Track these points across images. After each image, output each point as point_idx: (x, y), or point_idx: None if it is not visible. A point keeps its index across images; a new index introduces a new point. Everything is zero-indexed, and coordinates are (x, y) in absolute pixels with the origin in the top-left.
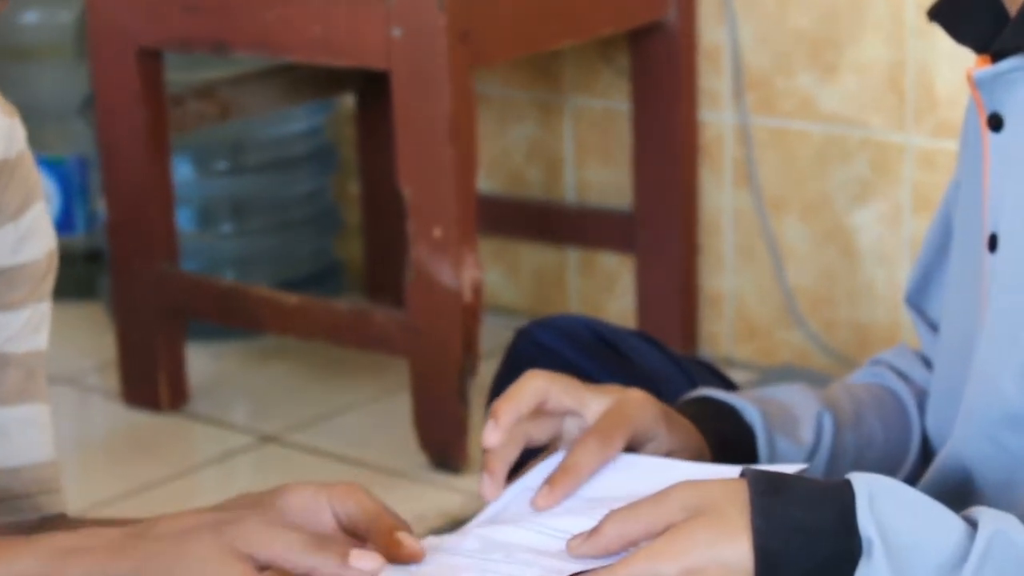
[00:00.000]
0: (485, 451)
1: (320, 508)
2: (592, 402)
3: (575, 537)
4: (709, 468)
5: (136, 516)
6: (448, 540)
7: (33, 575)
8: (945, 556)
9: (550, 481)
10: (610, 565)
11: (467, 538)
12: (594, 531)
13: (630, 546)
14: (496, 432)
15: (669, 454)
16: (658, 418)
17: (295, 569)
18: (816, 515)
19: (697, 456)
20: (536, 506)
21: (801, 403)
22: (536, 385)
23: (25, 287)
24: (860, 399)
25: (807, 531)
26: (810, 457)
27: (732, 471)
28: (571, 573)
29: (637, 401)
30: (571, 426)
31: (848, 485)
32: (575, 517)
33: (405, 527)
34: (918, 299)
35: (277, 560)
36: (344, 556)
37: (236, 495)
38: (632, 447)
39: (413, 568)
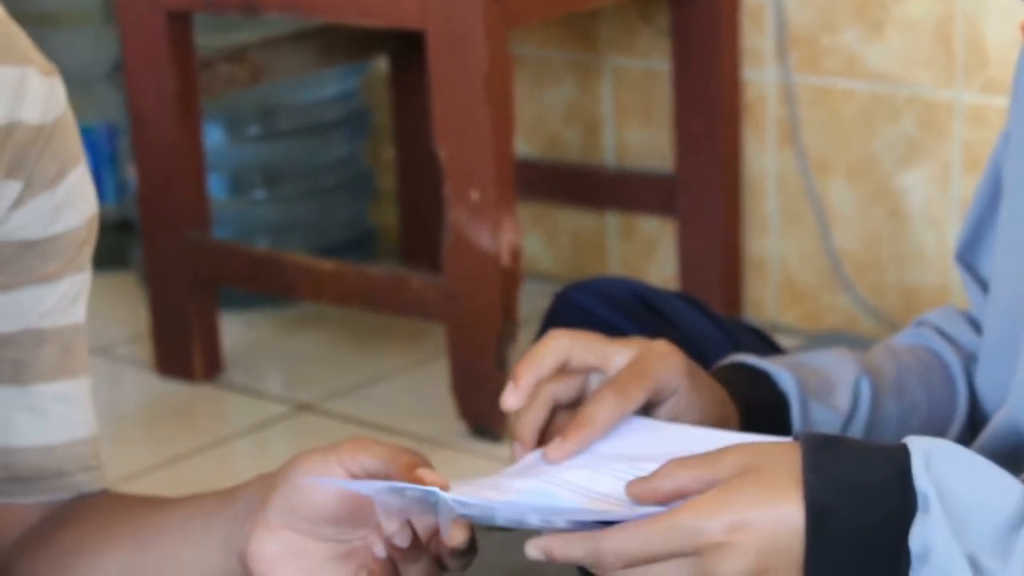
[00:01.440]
0: (512, 417)
1: (331, 471)
2: (615, 356)
3: (635, 481)
4: (733, 436)
5: (170, 488)
6: (469, 486)
7: None
8: (1004, 517)
9: (563, 433)
10: (656, 515)
11: (484, 489)
12: (649, 478)
13: (680, 498)
14: (515, 395)
15: (691, 410)
16: (680, 372)
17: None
18: (870, 471)
19: (721, 420)
20: (547, 458)
21: (839, 368)
22: (557, 345)
23: (62, 258)
24: (903, 363)
25: (860, 486)
26: (847, 423)
27: (756, 439)
28: (617, 518)
29: (659, 353)
30: (596, 383)
31: (903, 446)
32: (591, 471)
33: (423, 461)
34: (968, 255)
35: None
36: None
37: (252, 477)
38: (653, 400)
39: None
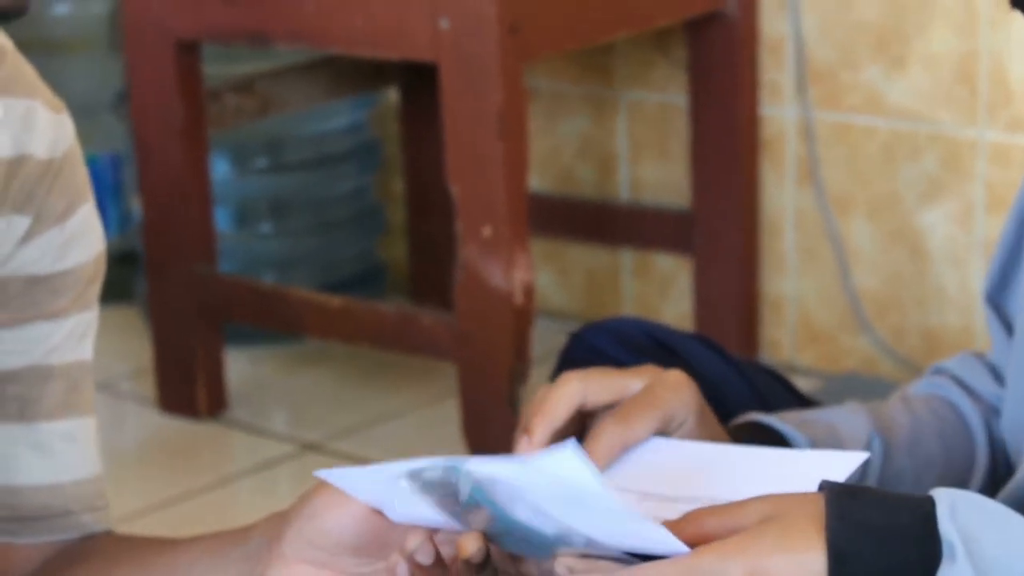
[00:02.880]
0: (525, 408)
1: (347, 499)
2: (630, 387)
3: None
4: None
5: (171, 528)
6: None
7: None
8: None
9: None
10: (679, 557)
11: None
12: (674, 523)
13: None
14: (529, 448)
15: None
16: (691, 405)
17: None
18: (895, 518)
19: None
20: None
21: (851, 426)
22: (569, 390)
23: (70, 294)
24: (918, 416)
25: (884, 533)
26: (859, 481)
27: (778, 455)
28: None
29: (671, 383)
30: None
31: (928, 496)
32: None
33: None
34: (998, 296)
35: None
36: None
37: (268, 515)
38: (661, 430)
39: None
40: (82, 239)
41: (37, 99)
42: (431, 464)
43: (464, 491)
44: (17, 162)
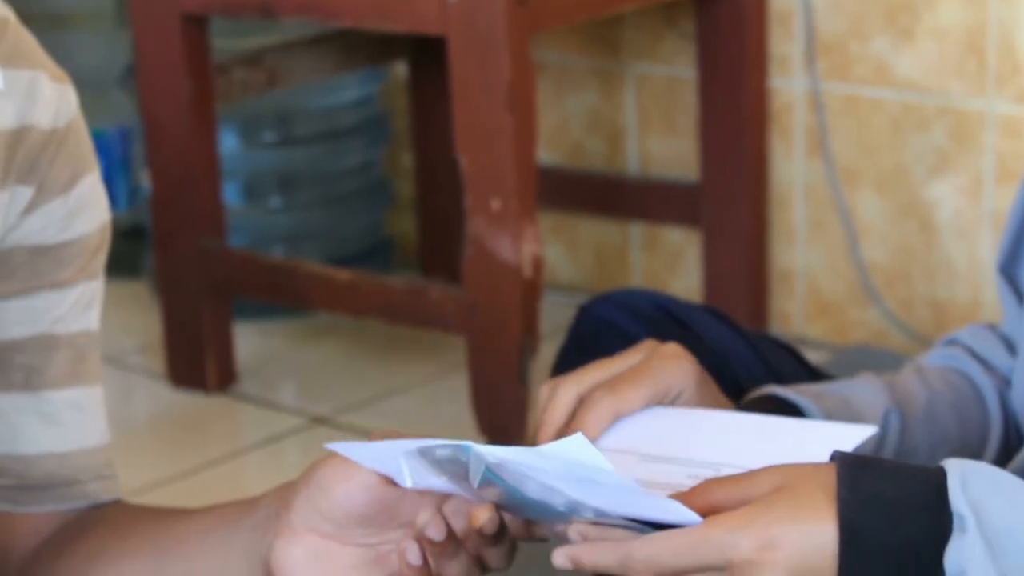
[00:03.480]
0: (537, 409)
1: (356, 469)
2: (629, 364)
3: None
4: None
5: (182, 501)
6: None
7: None
8: None
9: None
10: (690, 528)
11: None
12: (684, 495)
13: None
14: None
15: None
16: (689, 375)
17: None
18: (906, 490)
19: None
20: None
21: (868, 399)
22: (566, 398)
23: (75, 264)
24: (934, 389)
25: (895, 505)
26: (875, 454)
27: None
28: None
29: (666, 355)
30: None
31: (940, 467)
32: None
33: None
34: (1010, 267)
35: None
36: None
37: (277, 486)
38: (659, 401)
39: None
40: (87, 209)
41: (40, 70)
42: (441, 443)
43: (474, 470)
44: (20, 133)
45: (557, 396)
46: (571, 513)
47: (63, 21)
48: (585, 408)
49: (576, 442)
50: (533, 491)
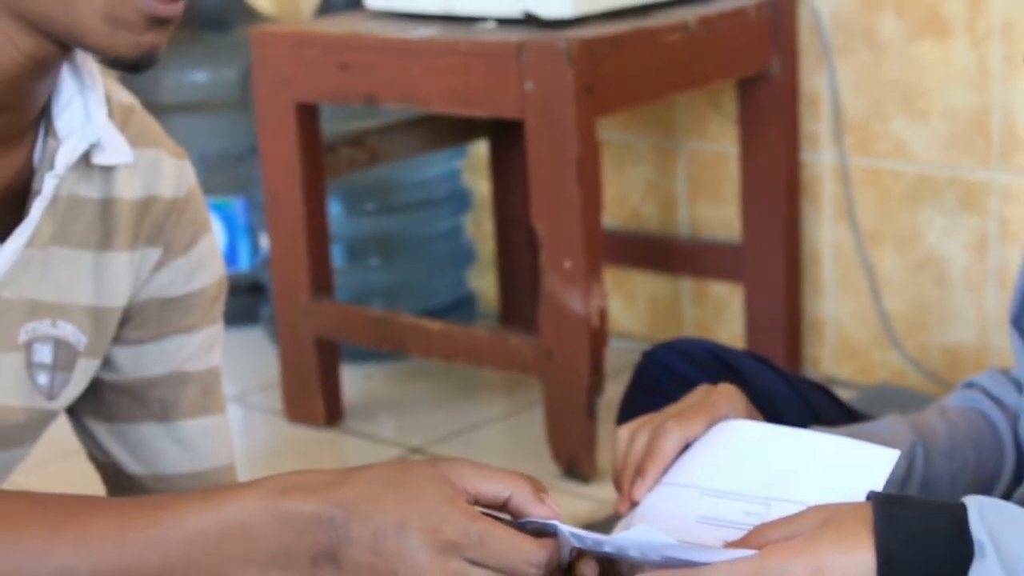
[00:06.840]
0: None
1: (489, 474)
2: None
3: (732, 544)
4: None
5: None
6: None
7: (251, 512)
8: None
9: (639, 471)
10: (751, 557)
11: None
12: (741, 540)
13: None
14: (643, 487)
15: None
16: (738, 407)
17: (494, 503)
18: (932, 522)
19: None
20: (632, 496)
21: (895, 437)
22: (675, 438)
23: (198, 311)
24: (954, 424)
25: (925, 535)
26: (904, 485)
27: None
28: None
29: (722, 391)
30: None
31: (961, 503)
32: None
33: (542, 487)
34: (1021, 320)
35: (482, 495)
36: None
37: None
38: None
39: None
40: (206, 265)
41: (162, 148)
42: (530, 521)
43: (564, 544)
44: (147, 202)
45: (665, 436)
46: (642, 560)
47: (197, 107)
48: (658, 437)
49: (646, 532)
50: (608, 552)
